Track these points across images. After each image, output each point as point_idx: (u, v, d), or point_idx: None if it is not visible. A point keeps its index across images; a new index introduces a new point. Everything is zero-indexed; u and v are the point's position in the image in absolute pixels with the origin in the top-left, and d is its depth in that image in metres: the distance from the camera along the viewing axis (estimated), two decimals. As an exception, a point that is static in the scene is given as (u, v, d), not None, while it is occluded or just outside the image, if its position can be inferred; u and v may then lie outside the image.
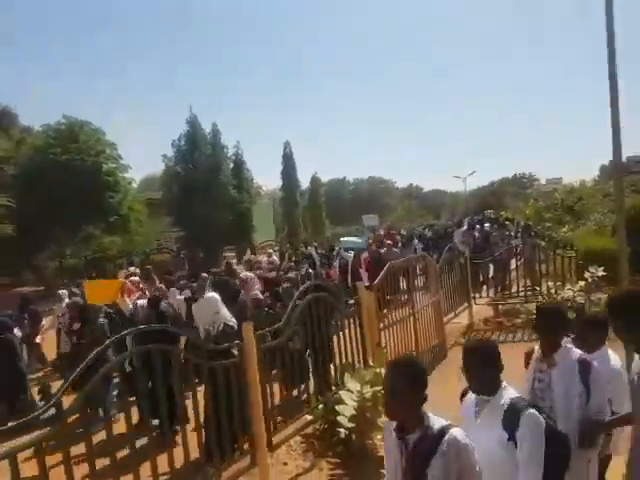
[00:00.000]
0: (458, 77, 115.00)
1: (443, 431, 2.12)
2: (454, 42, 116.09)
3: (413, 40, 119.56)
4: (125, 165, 27.45)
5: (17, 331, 7.49)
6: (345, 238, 18.28)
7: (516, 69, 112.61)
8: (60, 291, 10.62)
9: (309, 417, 5.62)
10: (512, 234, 14.59)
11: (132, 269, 14.61)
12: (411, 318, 7.23)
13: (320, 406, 5.59)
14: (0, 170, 24.76)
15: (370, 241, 16.84)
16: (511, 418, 2.41)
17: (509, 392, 2.52)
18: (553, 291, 9.66)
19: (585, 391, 2.84)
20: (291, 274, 9.76)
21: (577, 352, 2.95)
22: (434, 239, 17.62)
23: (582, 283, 8.96)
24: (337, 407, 5.16)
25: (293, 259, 15.02)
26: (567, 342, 3.03)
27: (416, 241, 16.67)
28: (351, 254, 13.41)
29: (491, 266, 11.78)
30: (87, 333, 6.80)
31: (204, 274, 9.93)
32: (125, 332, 3.89)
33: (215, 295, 5.45)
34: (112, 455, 3.56)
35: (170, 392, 4.26)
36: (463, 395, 2.82)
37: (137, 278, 10.08)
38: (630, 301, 2.45)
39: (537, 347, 3.18)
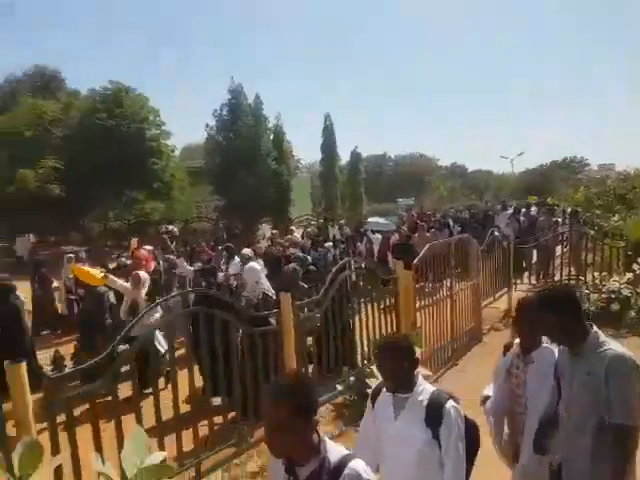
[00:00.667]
0: (510, 57, 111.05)
1: (342, 463, 1.76)
2: (506, 25, 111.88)
3: (468, 19, 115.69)
4: (168, 132, 27.82)
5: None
6: (373, 218, 17.89)
7: (565, 51, 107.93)
8: (67, 255, 10.64)
9: (339, 387, 5.71)
10: (559, 220, 14.12)
11: (170, 227, 15.70)
12: (448, 300, 7.16)
13: (351, 378, 5.67)
14: (49, 132, 25.35)
15: (400, 224, 15.82)
16: (434, 415, 2.32)
17: (427, 387, 2.45)
18: (598, 281, 9.40)
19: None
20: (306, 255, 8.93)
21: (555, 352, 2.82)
22: (472, 222, 16.82)
23: (630, 275, 8.68)
24: (368, 380, 5.21)
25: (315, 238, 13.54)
26: (547, 340, 2.92)
27: (452, 224, 15.68)
28: (378, 236, 12.86)
29: (535, 252, 11.49)
30: (89, 299, 6.98)
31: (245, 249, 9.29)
32: (182, 292, 3.98)
33: (255, 265, 5.54)
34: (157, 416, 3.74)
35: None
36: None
37: (149, 247, 10.15)
38: (560, 299, 2.47)
39: (517, 341, 3.12)
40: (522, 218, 13.92)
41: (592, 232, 10.76)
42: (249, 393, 4.61)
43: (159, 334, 5.63)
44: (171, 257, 8.99)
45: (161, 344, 5.59)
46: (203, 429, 4.38)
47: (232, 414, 4.66)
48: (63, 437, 3.25)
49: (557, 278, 10.48)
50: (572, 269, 10.53)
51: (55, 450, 3.14)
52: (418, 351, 5.34)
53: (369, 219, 17.72)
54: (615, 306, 8.14)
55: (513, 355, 3.09)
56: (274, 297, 5.18)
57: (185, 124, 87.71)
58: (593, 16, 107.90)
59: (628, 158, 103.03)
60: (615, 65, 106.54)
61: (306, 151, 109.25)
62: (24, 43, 73.37)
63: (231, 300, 4.84)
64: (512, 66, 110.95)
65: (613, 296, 8.30)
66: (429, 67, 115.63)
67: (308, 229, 17.38)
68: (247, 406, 4.61)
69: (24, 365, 2.93)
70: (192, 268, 8.62)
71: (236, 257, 8.15)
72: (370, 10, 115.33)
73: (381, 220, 17.50)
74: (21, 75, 32.47)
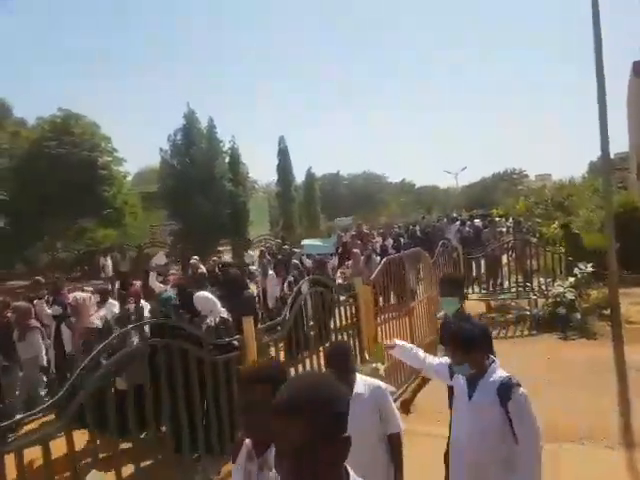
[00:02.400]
0: (453, 75, 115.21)
1: None
2: (450, 43, 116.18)
3: (410, 38, 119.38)
4: (120, 158, 27.46)
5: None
6: (308, 241, 15.49)
7: (505, 67, 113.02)
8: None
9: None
10: (504, 230, 14.78)
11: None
12: (406, 313, 7.36)
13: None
14: (-6, 163, 24.63)
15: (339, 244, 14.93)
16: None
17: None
18: (544, 287, 9.89)
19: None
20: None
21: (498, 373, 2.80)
22: (414, 238, 16.36)
23: (572, 279, 9.17)
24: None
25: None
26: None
27: (390, 242, 14.84)
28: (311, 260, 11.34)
29: (482, 262, 11.96)
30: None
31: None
32: (139, 323, 3.96)
33: (205, 294, 5.59)
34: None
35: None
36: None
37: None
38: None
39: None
40: (467, 229, 14.51)
41: (534, 240, 11.32)
42: (212, 426, 4.49)
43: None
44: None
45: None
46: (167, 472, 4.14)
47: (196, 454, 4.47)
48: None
49: (506, 286, 10.92)
50: (519, 276, 11.02)
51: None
52: (381, 367, 5.51)
53: (305, 241, 15.35)
54: (562, 310, 8.59)
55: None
56: (230, 319, 5.24)
57: (140, 149, 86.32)
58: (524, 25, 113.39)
59: (563, 168, 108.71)
60: (551, 78, 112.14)
61: (262, 172, 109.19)
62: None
63: (190, 328, 4.84)
64: (455, 84, 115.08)
65: (559, 299, 8.76)
66: (378, 83, 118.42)
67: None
68: (211, 440, 4.47)
69: None
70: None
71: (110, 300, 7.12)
72: (311, 25, 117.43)
73: (318, 242, 15.31)
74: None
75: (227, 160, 29.46)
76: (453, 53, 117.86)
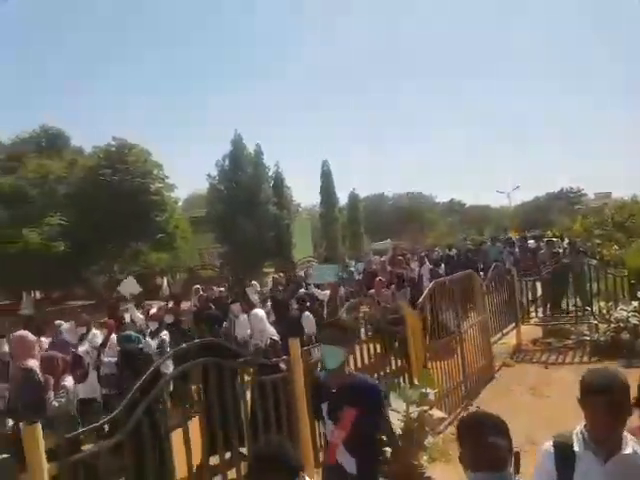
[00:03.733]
0: (502, 90, 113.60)
1: None
2: (499, 56, 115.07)
3: (456, 52, 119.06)
4: (171, 185, 28.43)
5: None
6: (318, 268, 12.96)
7: (558, 82, 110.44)
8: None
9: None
10: (560, 252, 14.21)
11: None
12: (457, 338, 7.14)
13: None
14: (53, 191, 25.91)
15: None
16: None
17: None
18: (605, 311, 9.39)
19: None
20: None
21: None
22: (457, 260, 15.43)
23: (635, 303, 8.67)
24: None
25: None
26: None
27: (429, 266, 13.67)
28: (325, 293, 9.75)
29: (538, 285, 11.50)
30: None
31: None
32: (190, 343, 3.99)
33: (259, 311, 5.59)
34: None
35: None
36: None
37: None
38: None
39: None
40: (517, 250, 14.08)
41: (594, 262, 10.80)
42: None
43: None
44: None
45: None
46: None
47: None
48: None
49: (563, 309, 10.45)
50: (578, 300, 10.53)
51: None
52: (430, 392, 5.33)
53: (312, 267, 13.20)
54: (625, 335, 8.12)
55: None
56: (279, 341, 5.22)
57: (190, 174, 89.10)
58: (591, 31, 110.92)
59: (624, 186, 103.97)
60: (609, 92, 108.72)
61: (305, 194, 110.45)
62: (29, 105, 75.55)
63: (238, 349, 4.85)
64: (503, 98, 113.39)
65: (622, 325, 8.28)
66: (426, 104, 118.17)
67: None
68: None
69: (39, 426, 2.79)
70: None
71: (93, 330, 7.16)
72: (357, 44, 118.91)
73: (325, 266, 13.04)
74: (27, 136, 33.35)
75: (271, 184, 30.00)
76: (503, 66, 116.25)
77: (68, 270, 24.49)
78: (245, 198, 27.35)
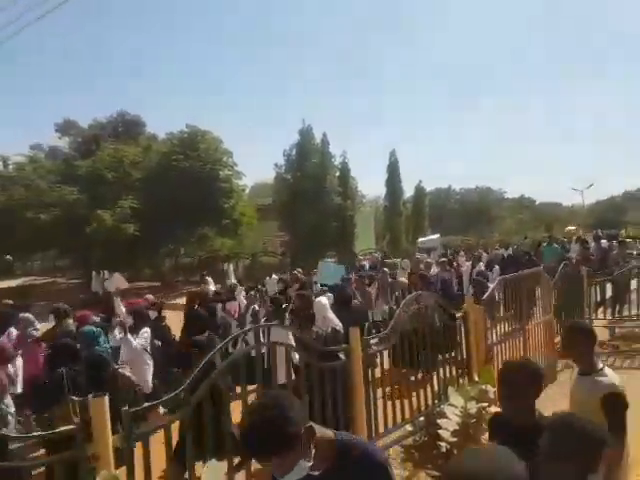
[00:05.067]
0: (579, 86, 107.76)
1: None
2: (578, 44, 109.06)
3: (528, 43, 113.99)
4: (239, 172, 29.05)
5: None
6: (325, 268, 11.03)
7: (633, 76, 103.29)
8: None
9: (409, 428, 5.60)
10: (634, 253, 13.40)
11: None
12: (521, 336, 6.95)
13: (421, 418, 5.56)
14: (128, 175, 27.14)
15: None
16: None
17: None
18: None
19: None
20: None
21: None
22: (510, 262, 13.91)
23: None
24: (439, 421, 5.10)
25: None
26: None
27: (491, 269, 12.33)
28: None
29: (609, 286, 10.94)
30: None
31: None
32: (256, 325, 4.11)
33: (323, 299, 5.67)
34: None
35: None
36: None
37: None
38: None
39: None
40: (591, 250, 13.35)
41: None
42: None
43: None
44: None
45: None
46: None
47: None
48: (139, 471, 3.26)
49: (634, 313, 9.89)
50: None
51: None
52: (490, 389, 5.24)
53: (319, 264, 11.49)
54: None
55: None
56: (342, 331, 5.28)
57: (254, 164, 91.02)
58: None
59: None
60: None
61: (369, 184, 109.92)
62: (109, 91, 79.58)
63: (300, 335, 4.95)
64: (579, 93, 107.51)
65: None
66: (493, 99, 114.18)
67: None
68: None
69: (106, 399, 2.99)
70: None
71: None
72: (421, 40, 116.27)
73: (333, 265, 11.41)
74: (104, 121, 35.11)
75: (337, 174, 30.01)
76: (584, 63, 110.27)
77: (137, 252, 25.66)
78: (310, 188, 27.55)
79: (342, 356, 4.84)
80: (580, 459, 1.84)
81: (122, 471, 3.08)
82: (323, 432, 1.81)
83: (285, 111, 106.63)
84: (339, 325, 5.44)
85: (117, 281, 10.52)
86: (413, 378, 6.08)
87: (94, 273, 22.87)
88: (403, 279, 10.02)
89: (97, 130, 33.44)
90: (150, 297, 9.61)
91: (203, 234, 28.10)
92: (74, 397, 4.07)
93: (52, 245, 27.29)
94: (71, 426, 3.10)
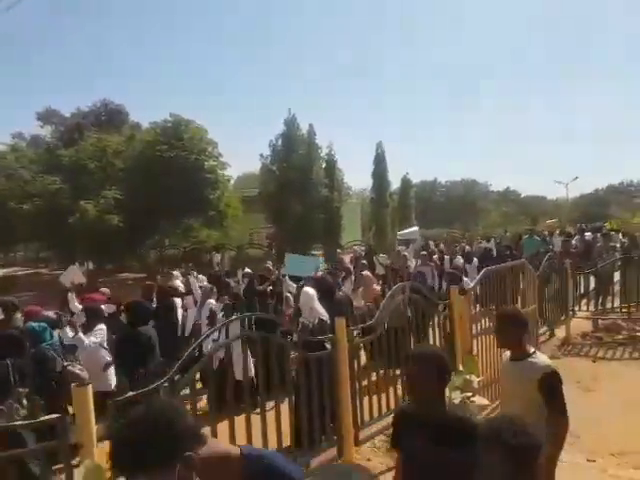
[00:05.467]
0: (565, 78, 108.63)
1: None
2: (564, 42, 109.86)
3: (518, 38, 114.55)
4: (225, 163, 28.77)
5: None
6: (292, 258, 10.15)
7: (626, 71, 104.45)
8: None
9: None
10: (617, 246, 13.61)
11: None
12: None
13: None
14: (111, 165, 26.71)
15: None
16: None
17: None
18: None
19: None
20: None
21: None
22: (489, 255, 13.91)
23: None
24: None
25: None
26: None
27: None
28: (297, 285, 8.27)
29: (592, 278, 11.09)
30: None
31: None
32: (241, 315, 4.10)
33: (310, 290, 5.65)
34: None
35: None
36: None
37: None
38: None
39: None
40: (574, 242, 13.52)
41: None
42: (302, 422, 4.55)
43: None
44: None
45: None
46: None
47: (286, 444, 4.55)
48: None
49: (616, 305, 10.05)
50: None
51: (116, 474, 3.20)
52: (475, 379, 5.28)
53: (290, 258, 10.16)
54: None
55: None
56: (329, 322, 5.27)
57: (240, 155, 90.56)
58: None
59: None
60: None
61: (355, 177, 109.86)
62: (90, 80, 78.37)
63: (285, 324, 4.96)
64: (571, 85, 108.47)
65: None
66: (479, 92, 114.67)
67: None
68: (301, 435, 4.55)
69: (90, 388, 2.98)
70: None
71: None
72: (410, 31, 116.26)
73: (302, 260, 10.07)
74: (87, 110, 34.55)
75: (323, 166, 29.89)
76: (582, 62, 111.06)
77: (121, 243, 25.38)
78: (297, 179, 27.41)
79: (328, 346, 4.85)
80: (514, 471, 1.75)
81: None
82: (222, 448, 1.52)
83: (268, 102, 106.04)
84: (325, 316, 5.44)
85: (72, 275, 9.55)
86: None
87: (77, 264, 22.63)
88: (367, 272, 9.33)
89: (79, 119, 32.90)
90: (106, 290, 8.99)
91: (188, 225, 27.88)
92: (20, 389, 4.05)
93: (35, 236, 26.90)
94: (54, 415, 3.06)
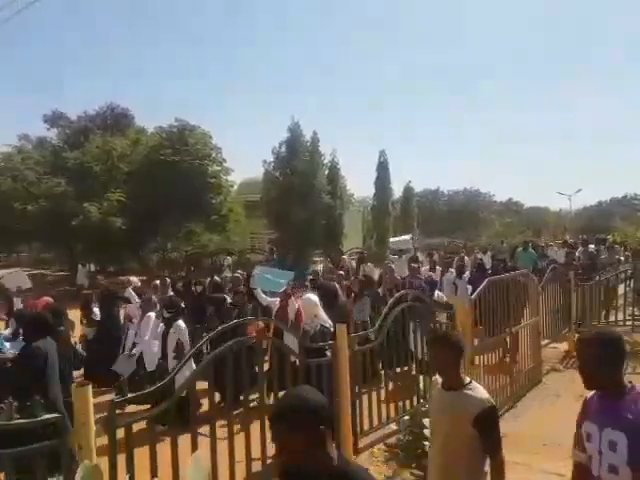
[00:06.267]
0: (569, 89, 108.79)
1: None
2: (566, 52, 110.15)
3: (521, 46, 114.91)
4: (228, 168, 28.88)
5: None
6: (260, 270, 9.26)
7: (626, 80, 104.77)
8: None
9: (394, 427, 5.60)
10: (622, 258, 13.56)
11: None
12: (507, 338, 6.98)
13: (406, 417, 5.56)
14: (116, 168, 26.77)
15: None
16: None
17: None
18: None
19: None
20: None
21: None
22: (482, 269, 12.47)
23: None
24: (424, 420, 5.07)
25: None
26: None
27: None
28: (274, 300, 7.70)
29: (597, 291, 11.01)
30: None
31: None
32: (237, 321, 4.09)
33: (313, 297, 5.64)
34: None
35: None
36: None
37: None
38: None
39: None
40: (577, 255, 13.46)
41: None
42: None
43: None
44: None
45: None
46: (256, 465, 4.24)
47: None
48: (121, 462, 3.25)
49: (620, 318, 9.99)
50: (636, 309, 10.05)
51: (114, 475, 3.15)
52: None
53: (257, 270, 9.32)
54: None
55: None
56: (331, 329, 5.24)
57: (243, 161, 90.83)
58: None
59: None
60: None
61: (357, 184, 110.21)
62: (97, 83, 78.84)
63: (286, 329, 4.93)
64: (572, 100, 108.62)
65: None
66: (483, 102, 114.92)
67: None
68: None
69: (90, 387, 2.95)
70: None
71: None
72: (408, 42, 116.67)
73: (269, 276, 8.60)
74: (93, 113, 34.66)
75: (326, 173, 29.94)
76: (569, 66, 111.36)
77: (124, 246, 25.44)
78: (299, 185, 27.45)
79: (329, 354, 4.82)
80: None
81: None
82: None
83: (272, 108, 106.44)
84: (328, 322, 5.41)
85: (17, 279, 9.12)
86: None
87: (80, 266, 22.68)
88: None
89: (86, 122, 33.01)
90: (48, 299, 8.17)
91: (190, 229, 27.93)
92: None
93: (38, 237, 26.95)
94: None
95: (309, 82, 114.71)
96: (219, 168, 28.12)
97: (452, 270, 12.00)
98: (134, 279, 9.98)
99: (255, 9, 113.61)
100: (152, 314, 6.94)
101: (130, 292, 8.49)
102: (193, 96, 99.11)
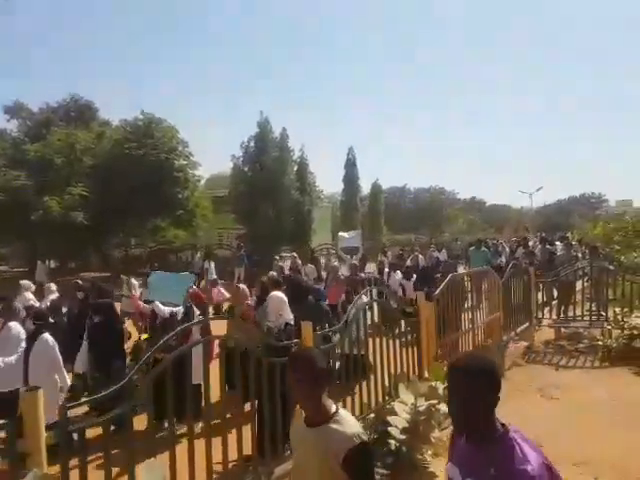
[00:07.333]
0: (530, 92, 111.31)
1: None
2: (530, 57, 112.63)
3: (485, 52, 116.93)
4: (195, 162, 28.49)
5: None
6: (157, 277, 8.56)
7: (586, 83, 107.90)
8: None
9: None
10: (579, 255, 14.01)
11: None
12: (470, 334, 7.13)
13: (371, 415, 5.59)
14: (79, 161, 26.09)
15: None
16: None
17: None
18: (620, 317, 9.27)
19: None
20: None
21: None
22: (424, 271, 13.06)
23: (652, 311, 8.55)
24: (389, 418, 5.05)
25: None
26: None
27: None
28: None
29: (555, 287, 11.36)
30: None
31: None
32: (206, 318, 4.04)
33: (280, 294, 5.63)
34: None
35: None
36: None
37: None
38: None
39: None
40: (537, 252, 13.88)
41: (612, 267, 10.64)
42: (265, 430, 4.36)
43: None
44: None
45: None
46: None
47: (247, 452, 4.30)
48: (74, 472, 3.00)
49: (578, 314, 10.35)
50: (593, 305, 10.41)
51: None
52: (440, 386, 5.33)
53: (153, 277, 8.58)
54: (638, 343, 8.03)
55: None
56: (294, 326, 5.25)
57: (215, 153, 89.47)
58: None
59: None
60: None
61: (326, 181, 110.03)
62: (60, 74, 76.47)
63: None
64: (532, 100, 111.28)
65: (635, 332, 8.19)
66: (449, 102, 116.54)
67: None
68: (264, 445, 4.36)
69: (41, 392, 2.78)
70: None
71: None
72: (375, 41, 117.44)
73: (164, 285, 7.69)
74: (55, 105, 33.61)
75: (295, 169, 29.88)
76: (534, 67, 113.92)
77: (86, 241, 24.82)
78: (268, 181, 27.30)
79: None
80: None
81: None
82: None
83: (241, 106, 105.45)
84: (292, 320, 5.43)
85: None
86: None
87: (39, 262, 21.99)
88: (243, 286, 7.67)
89: (48, 114, 32.00)
90: None
91: (156, 224, 27.44)
92: None
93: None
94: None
95: (278, 80, 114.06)
96: (185, 162, 27.71)
97: (398, 272, 12.13)
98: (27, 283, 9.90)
99: (226, 6, 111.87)
100: (13, 324, 5.81)
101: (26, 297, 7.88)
102: (161, 91, 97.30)
